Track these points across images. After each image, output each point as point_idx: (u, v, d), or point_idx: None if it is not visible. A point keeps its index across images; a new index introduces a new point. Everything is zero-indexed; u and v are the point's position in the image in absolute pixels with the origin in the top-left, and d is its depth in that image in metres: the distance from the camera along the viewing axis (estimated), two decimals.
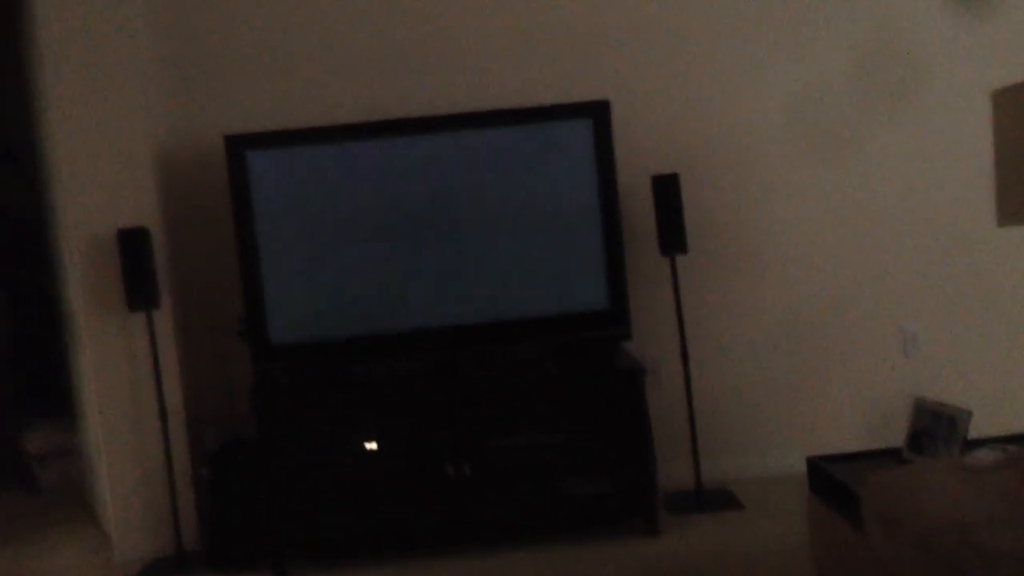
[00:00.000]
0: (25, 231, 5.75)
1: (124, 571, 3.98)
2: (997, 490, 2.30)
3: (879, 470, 2.67)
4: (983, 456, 2.51)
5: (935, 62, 4.40)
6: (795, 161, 4.41)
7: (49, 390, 5.39)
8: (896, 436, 3.29)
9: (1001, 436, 2.98)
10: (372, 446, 3.78)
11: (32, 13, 4.07)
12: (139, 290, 3.85)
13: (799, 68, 4.39)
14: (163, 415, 3.90)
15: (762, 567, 3.45)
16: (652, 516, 3.81)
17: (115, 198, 3.96)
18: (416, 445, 3.79)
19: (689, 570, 3.52)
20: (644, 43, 4.37)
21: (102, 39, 3.94)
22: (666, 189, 4.06)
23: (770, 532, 3.74)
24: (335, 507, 3.77)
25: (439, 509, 3.79)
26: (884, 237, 4.44)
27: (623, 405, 3.81)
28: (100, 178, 3.96)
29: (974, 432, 2.95)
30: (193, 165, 4.24)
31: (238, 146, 3.89)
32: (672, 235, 4.05)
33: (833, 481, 2.96)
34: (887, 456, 3.12)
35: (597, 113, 3.98)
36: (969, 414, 2.93)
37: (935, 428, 3.01)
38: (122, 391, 4.00)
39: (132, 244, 3.85)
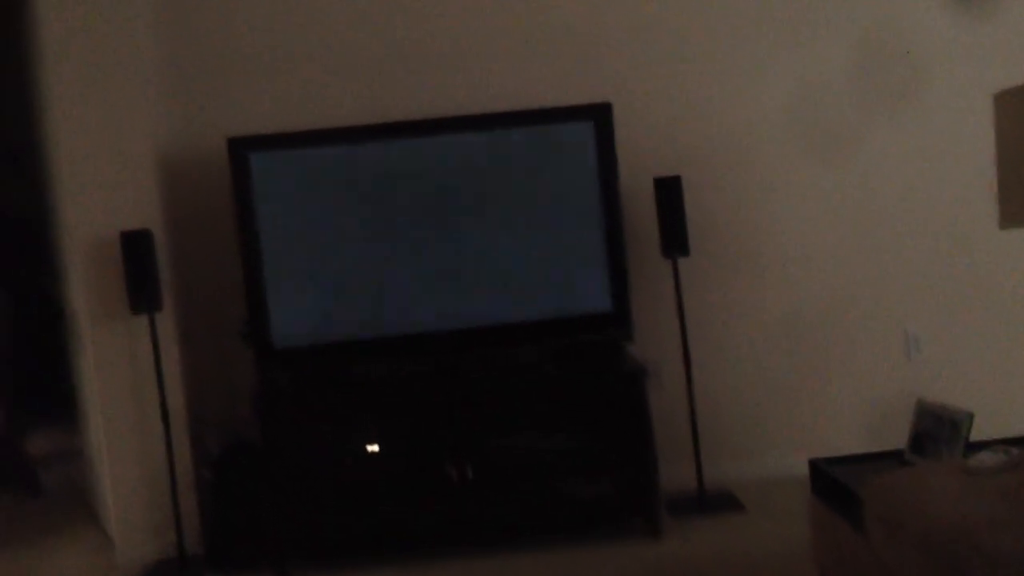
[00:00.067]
0: (27, 232, 5.75)
1: (126, 573, 3.98)
2: (999, 492, 2.30)
3: (881, 472, 2.67)
4: (985, 458, 2.51)
5: (936, 62, 4.41)
6: (797, 162, 4.42)
7: (51, 392, 5.39)
8: (898, 438, 3.29)
9: (1003, 438, 2.98)
10: (374, 448, 3.78)
11: (34, 14, 4.08)
12: (141, 292, 3.86)
13: (800, 69, 4.39)
14: (165, 417, 3.91)
15: (764, 569, 3.45)
16: (654, 518, 3.81)
17: (117, 200, 3.97)
18: (418, 447, 3.79)
19: (691, 572, 3.52)
20: (646, 45, 4.37)
21: (104, 40, 3.94)
22: (668, 191, 4.06)
23: (772, 534, 3.74)
24: (337, 509, 3.77)
25: (441, 511, 3.79)
26: (886, 239, 4.44)
27: (625, 407, 3.81)
28: (102, 180, 3.96)
29: (976, 434, 2.94)
30: (195, 167, 4.24)
31: (240, 148, 3.90)
32: (674, 237, 4.06)
33: (835, 483, 2.96)
34: (889, 458, 3.12)
35: (599, 115, 3.98)
36: (971, 416, 2.93)
37: (937, 430, 3.01)
38: (124, 393, 4.00)
39: (135, 246, 3.85)
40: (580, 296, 4.01)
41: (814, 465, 3.14)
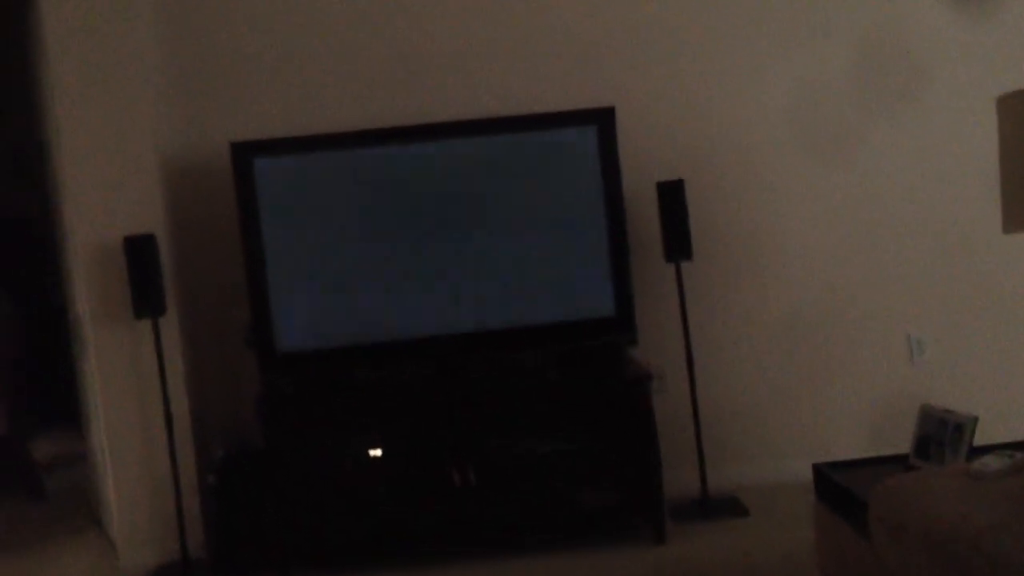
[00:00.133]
0: (31, 237, 5.77)
1: None
2: (1003, 496, 2.29)
3: (885, 477, 2.67)
4: (989, 462, 2.50)
5: (938, 64, 4.41)
6: (799, 166, 4.41)
7: (55, 396, 5.40)
8: (902, 442, 3.28)
9: (1007, 442, 2.97)
10: (377, 452, 3.78)
11: (37, 18, 4.09)
12: (145, 297, 3.86)
13: (802, 72, 4.39)
14: (169, 422, 3.91)
15: (768, 574, 3.45)
16: (657, 523, 3.80)
17: (121, 205, 3.97)
18: (421, 451, 3.79)
19: None
20: (648, 50, 4.37)
21: (107, 44, 3.95)
22: (671, 195, 4.06)
23: (776, 539, 3.73)
24: (340, 513, 3.77)
25: (443, 515, 3.79)
26: (889, 242, 4.43)
27: (628, 411, 3.80)
28: (106, 184, 3.97)
29: (980, 438, 2.94)
30: (199, 172, 4.25)
31: (244, 153, 3.90)
32: (677, 241, 4.05)
33: (839, 488, 2.95)
34: (893, 463, 3.11)
35: (602, 120, 3.98)
36: (975, 420, 2.92)
37: (941, 434, 3.00)
38: (128, 398, 4.01)
39: (138, 251, 3.86)
40: (583, 300, 4.01)
41: (818, 470, 3.13)
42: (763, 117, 4.40)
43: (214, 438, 4.14)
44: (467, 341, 3.97)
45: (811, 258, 4.43)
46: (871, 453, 3.48)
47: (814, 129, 4.41)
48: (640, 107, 4.31)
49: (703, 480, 4.10)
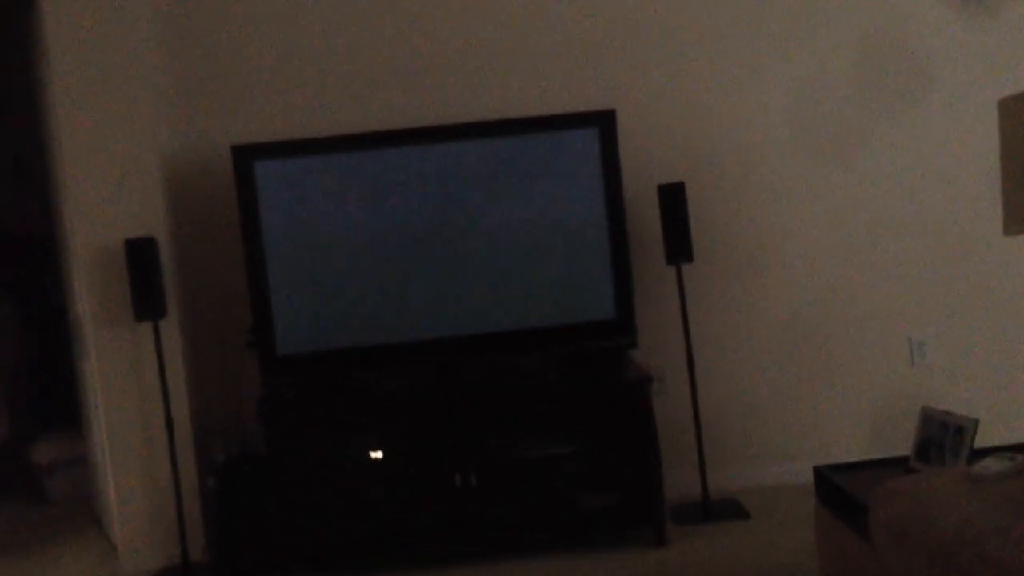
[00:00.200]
0: (35, 245, 5.77)
1: None
2: (1004, 499, 2.29)
3: (886, 479, 2.66)
4: (990, 465, 2.50)
5: (940, 66, 4.41)
6: (801, 168, 4.41)
7: (56, 400, 5.40)
8: (903, 444, 3.28)
9: (1008, 445, 2.97)
10: (378, 455, 3.78)
11: (39, 23, 4.09)
12: (146, 300, 3.86)
13: (804, 75, 4.40)
14: (170, 425, 3.91)
15: None
16: (658, 525, 3.80)
17: (122, 208, 3.97)
18: (422, 454, 3.79)
19: None
20: (649, 52, 4.38)
21: (109, 48, 3.96)
22: (672, 198, 4.06)
23: (777, 542, 3.72)
24: (342, 517, 3.77)
25: (445, 518, 3.79)
26: (890, 244, 4.43)
27: (629, 414, 3.80)
28: (107, 187, 3.97)
29: (981, 441, 2.94)
30: (200, 175, 4.25)
31: (245, 156, 3.91)
32: (678, 244, 4.05)
33: (840, 491, 2.95)
34: (894, 465, 3.11)
35: (603, 122, 3.98)
36: (976, 423, 2.92)
37: (942, 437, 3.00)
38: (129, 401, 4.01)
39: (139, 254, 3.86)
40: (584, 303, 4.01)
41: (819, 472, 3.13)
42: (764, 119, 4.40)
43: (215, 441, 4.14)
44: (468, 343, 3.97)
45: (812, 260, 4.43)
46: (872, 455, 3.49)
47: (815, 131, 4.41)
48: (641, 109, 4.32)
49: (704, 482, 4.10)
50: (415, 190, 3.96)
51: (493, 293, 3.99)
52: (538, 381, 3.93)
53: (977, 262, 4.43)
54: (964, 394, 4.30)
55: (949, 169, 4.42)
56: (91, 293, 4.00)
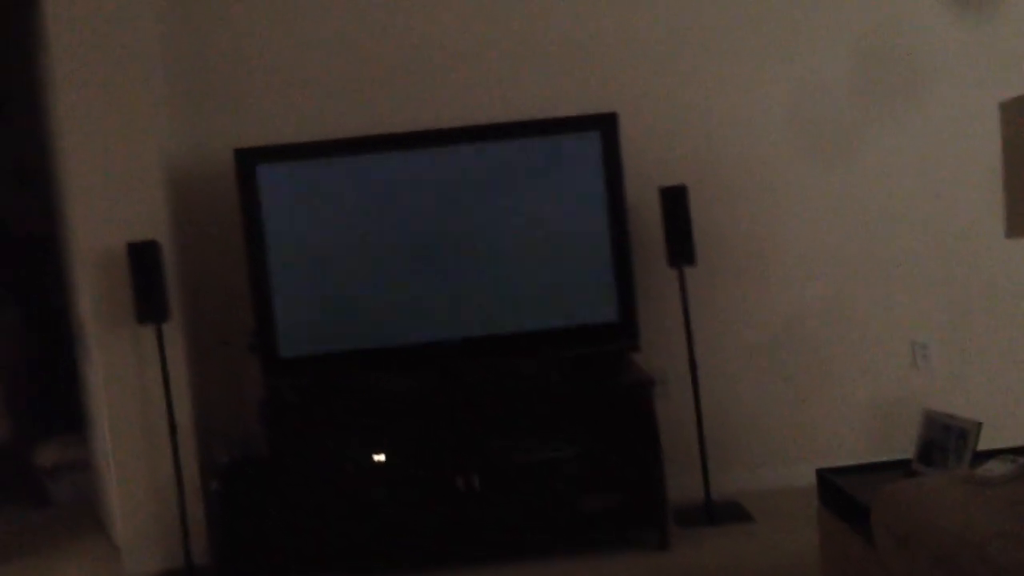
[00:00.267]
0: (36, 247, 5.78)
1: None
2: (1007, 502, 2.29)
3: (889, 483, 2.66)
4: (993, 468, 2.50)
5: (941, 69, 4.40)
6: (802, 170, 4.41)
7: (59, 403, 5.40)
8: (905, 447, 3.28)
9: (1012, 448, 2.97)
10: (380, 458, 3.78)
11: (43, 26, 4.10)
12: (149, 303, 3.86)
13: (805, 78, 4.40)
14: (172, 428, 3.91)
15: None
16: (661, 528, 3.80)
17: (125, 211, 3.98)
18: (424, 457, 3.79)
19: None
20: (651, 56, 4.38)
21: (112, 52, 3.96)
22: (674, 201, 4.06)
23: (780, 545, 3.72)
24: (344, 519, 3.77)
25: (448, 521, 3.79)
26: (892, 247, 4.43)
27: (632, 417, 3.80)
28: (110, 191, 3.98)
29: (984, 444, 2.93)
30: (203, 179, 4.26)
31: (248, 160, 3.91)
32: (680, 247, 4.05)
33: (843, 494, 2.95)
34: (897, 468, 3.11)
35: (605, 125, 3.99)
36: (979, 426, 2.92)
37: (945, 440, 3.00)
38: (131, 403, 4.01)
39: (142, 257, 3.86)
40: (586, 306, 4.01)
41: (821, 475, 3.13)
42: (766, 122, 4.40)
43: (217, 443, 4.14)
44: (470, 346, 3.97)
45: (814, 263, 4.43)
46: (874, 458, 3.48)
47: (817, 134, 4.41)
48: (643, 113, 4.32)
49: (706, 485, 4.10)
50: (417, 193, 3.97)
51: (495, 296, 3.99)
52: (540, 384, 3.93)
53: (980, 265, 4.42)
54: (967, 397, 4.30)
55: (951, 172, 4.42)
56: (94, 296, 4.00)
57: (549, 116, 4.10)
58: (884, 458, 3.36)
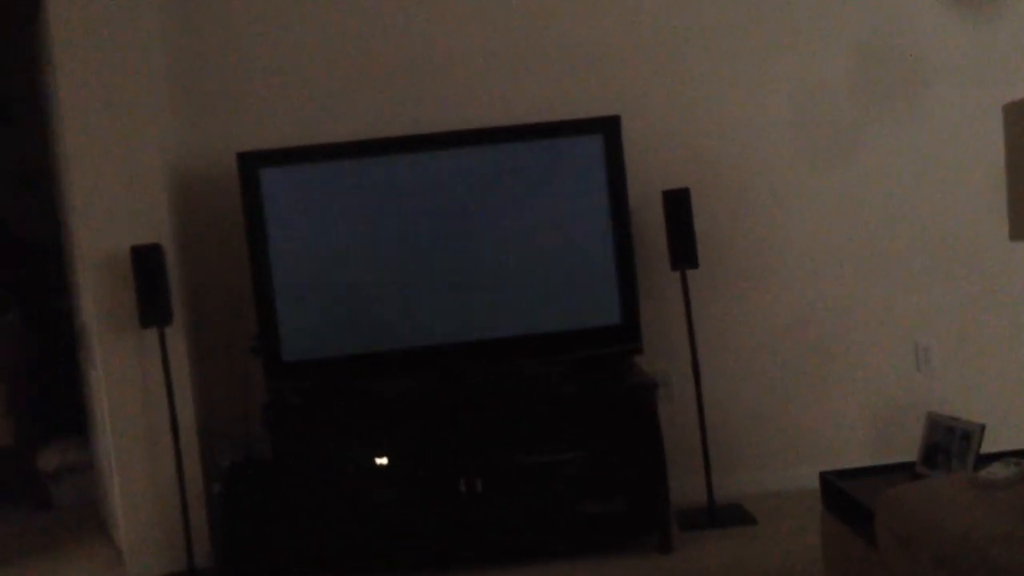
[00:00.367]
0: (39, 250, 5.79)
1: None
2: (1011, 505, 2.29)
3: (892, 485, 2.66)
4: (997, 470, 2.49)
5: (944, 70, 4.40)
6: (805, 174, 4.41)
7: (62, 406, 5.41)
8: (908, 450, 3.28)
9: (1015, 450, 2.96)
10: (383, 461, 3.78)
11: (46, 30, 4.11)
12: (152, 306, 3.87)
13: (808, 80, 4.40)
14: (175, 431, 3.91)
15: None
16: (664, 531, 3.80)
17: (128, 215, 3.98)
18: (427, 460, 3.79)
19: None
20: (653, 58, 4.38)
21: (115, 56, 3.97)
22: (677, 204, 4.06)
23: (783, 547, 3.72)
24: (347, 523, 3.77)
25: (450, 524, 3.79)
26: (895, 249, 4.43)
27: (634, 420, 3.80)
28: (113, 195, 3.98)
29: (988, 446, 2.93)
30: (206, 182, 4.26)
31: (251, 163, 3.91)
32: (683, 249, 4.06)
33: (846, 497, 2.95)
34: (901, 471, 3.10)
35: (607, 128, 3.99)
36: (982, 428, 2.92)
37: (949, 443, 2.99)
38: (134, 407, 4.01)
39: (145, 261, 3.86)
40: (589, 309, 4.01)
41: (825, 478, 3.13)
42: (769, 125, 4.40)
43: (220, 446, 4.14)
44: (473, 349, 3.97)
45: (817, 265, 4.43)
46: (878, 461, 3.48)
47: (819, 136, 4.41)
48: (646, 115, 4.32)
49: (709, 488, 4.10)
50: (420, 196, 3.97)
51: (498, 299, 3.99)
52: (543, 386, 3.93)
53: (983, 267, 4.42)
54: (970, 399, 4.30)
55: (955, 173, 4.42)
56: (97, 299, 4.01)
57: (552, 119, 4.09)
58: (887, 461, 3.36)
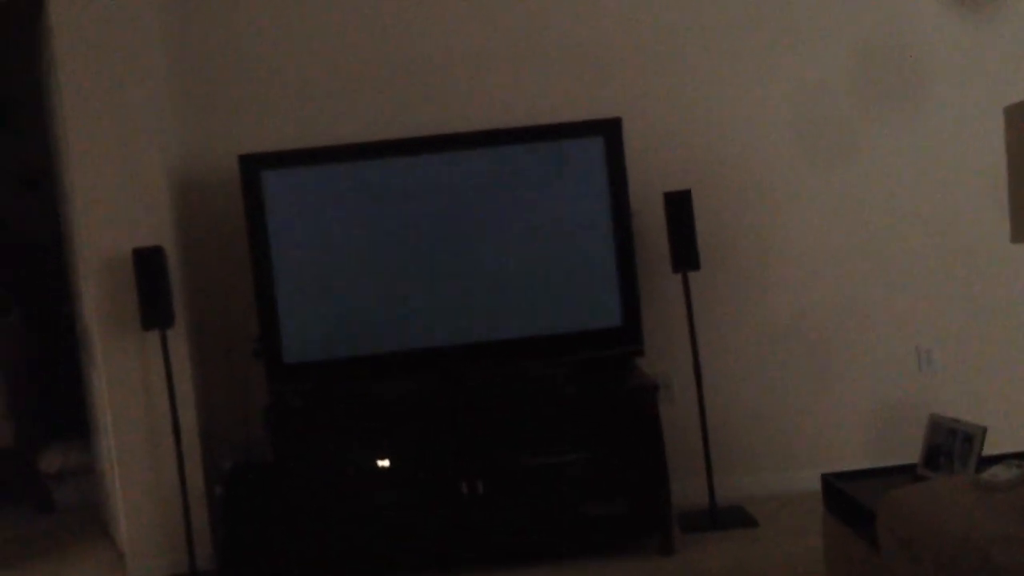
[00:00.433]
0: (44, 254, 5.79)
1: None
2: (1013, 507, 2.28)
3: (894, 487, 2.66)
4: (999, 473, 2.49)
5: (946, 73, 4.40)
6: (807, 176, 4.41)
7: (64, 408, 5.41)
8: (910, 452, 3.27)
9: (1017, 452, 2.96)
10: (385, 463, 3.78)
11: (48, 33, 4.11)
12: (153, 309, 3.87)
13: (809, 82, 4.40)
14: (177, 433, 3.92)
15: None
16: (666, 534, 3.80)
17: (130, 217, 3.99)
18: (428, 462, 3.79)
19: None
20: (655, 61, 4.38)
21: (117, 59, 3.97)
22: (678, 206, 4.06)
23: (785, 550, 3.72)
24: (348, 525, 3.77)
25: (452, 526, 3.79)
26: (897, 251, 4.43)
27: (636, 422, 3.80)
28: (115, 197, 3.99)
29: (989, 448, 2.93)
30: (208, 184, 4.27)
31: (252, 166, 3.92)
32: (684, 251, 4.06)
33: (848, 499, 2.95)
34: (902, 473, 3.10)
35: (609, 131, 3.99)
36: (984, 430, 2.92)
37: (950, 445, 2.99)
38: (136, 409, 4.01)
39: (147, 263, 3.87)
40: (591, 311, 4.01)
41: (826, 480, 3.12)
42: (770, 127, 4.40)
43: (222, 448, 4.15)
44: (474, 352, 3.97)
45: (819, 267, 4.42)
46: (879, 463, 3.48)
47: (820, 138, 4.41)
48: (647, 117, 4.32)
49: (711, 490, 4.10)
50: (422, 198, 3.97)
51: (499, 301, 3.99)
52: (544, 388, 3.93)
53: (985, 269, 4.42)
54: (972, 402, 4.30)
55: (956, 174, 4.42)
56: (99, 302, 4.01)
57: (553, 121, 4.10)
58: (889, 463, 3.35)
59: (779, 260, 4.42)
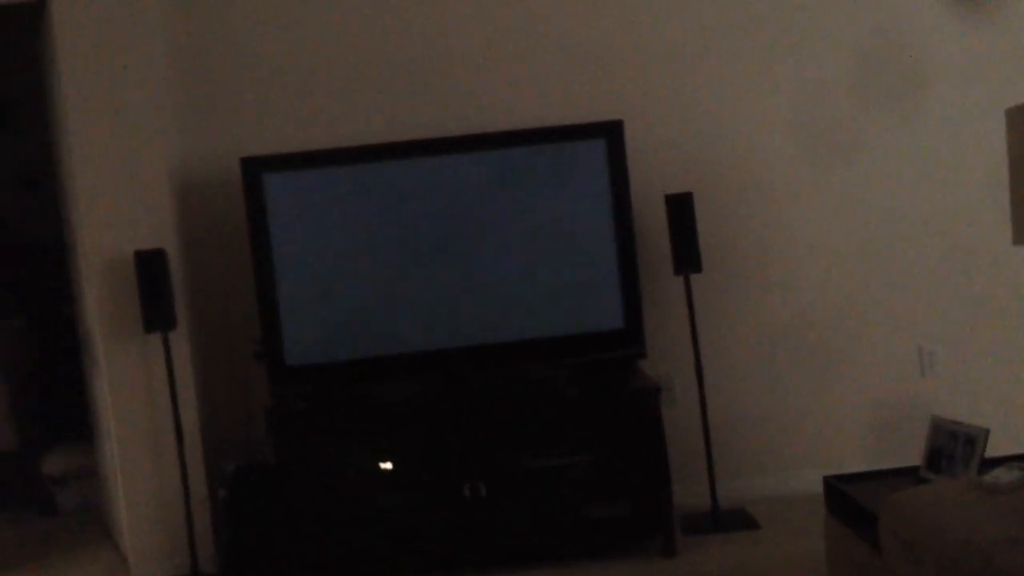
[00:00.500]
0: (45, 257, 5.79)
1: None
2: (1015, 509, 2.29)
3: (896, 490, 2.66)
4: (1001, 475, 2.49)
5: (948, 74, 4.40)
6: (808, 178, 4.41)
7: (66, 411, 5.41)
8: (913, 454, 3.27)
9: (1020, 454, 2.96)
10: (387, 466, 3.78)
11: (50, 35, 4.11)
12: (155, 311, 3.87)
13: (811, 83, 4.40)
14: (179, 436, 3.92)
15: None
16: (668, 536, 3.80)
17: (132, 220, 3.99)
18: (431, 465, 3.79)
19: None
20: (656, 63, 4.38)
21: (119, 62, 3.98)
22: (680, 208, 4.06)
23: (787, 552, 3.72)
24: (351, 528, 3.77)
25: (454, 528, 3.79)
26: (899, 253, 4.43)
27: (638, 424, 3.80)
28: (117, 200, 3.99)
29: (992, 451, 2.93)
30: (209, 187, 4.27)
31: (254, 168, 3.92)
32: (686, 254, 4.06)
33: (850, 501, 2.95)
34: (904, 475, 3.10)
35: (610, 133, 3.99)
36: (986, 432, 2.92)
37: (953, 447, 2.99)
38: (138, 412, 4.02)
39: (149, 266, 3.87)
40: (592, 313, 4.01)
41: (828, 482, 3.13)
42: (771, 129, 4.40)
43: (224, 452, 4.15)
44: (476, 354, 3.97)
45: (820, 269, 4.42)
46: (881, 465, 3.48)
47: (822, 140, 4.41)
48: (648, 120, 4.32)
49: (713, 492, 4.10)
50: (424, 200, 3.97)
51: (501, 303, 3.99)
52: (546, 391, 3.93)
53: (987, 272, 4.42)
54: (974, 404, 4.29)
55: (957, 174, 4.41)
56: (101, 304, 4.01)
57: (555, 124, 4.10)
58: (891, 465, 3.35)
59: (780, 261, 4.42)
